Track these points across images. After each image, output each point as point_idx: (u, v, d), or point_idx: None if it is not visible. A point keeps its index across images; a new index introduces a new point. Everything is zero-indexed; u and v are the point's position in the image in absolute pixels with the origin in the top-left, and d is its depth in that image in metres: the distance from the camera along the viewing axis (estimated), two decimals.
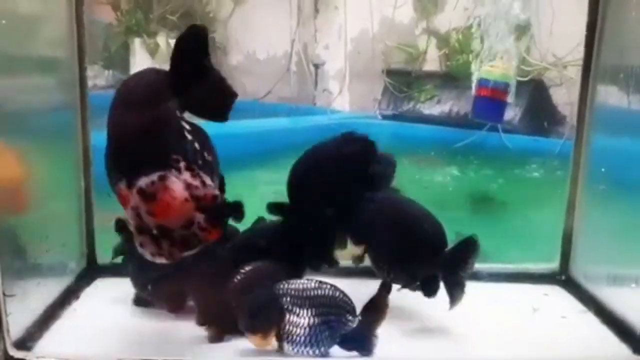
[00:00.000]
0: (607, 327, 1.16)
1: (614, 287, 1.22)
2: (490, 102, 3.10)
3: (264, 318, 0.96)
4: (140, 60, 5.50)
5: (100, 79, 5.66)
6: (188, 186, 0.89)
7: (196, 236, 0.91)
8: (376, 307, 1.03)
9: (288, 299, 0.97)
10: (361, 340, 1.00)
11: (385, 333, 1.03)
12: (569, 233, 1.35)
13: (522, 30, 3.99)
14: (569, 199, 1.35)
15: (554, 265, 1.38)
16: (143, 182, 0.87)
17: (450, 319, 1.14)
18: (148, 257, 0.89)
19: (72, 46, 1.27)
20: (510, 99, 3.17)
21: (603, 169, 1.27)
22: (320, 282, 1.00)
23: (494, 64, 3.20)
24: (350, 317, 1.00)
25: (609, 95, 1.31)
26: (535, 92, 4.05)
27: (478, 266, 1.22)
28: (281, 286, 0.99)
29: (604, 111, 1.32)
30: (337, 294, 1.00)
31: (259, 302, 0.96)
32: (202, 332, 1.05)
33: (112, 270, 1.27)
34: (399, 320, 1.15)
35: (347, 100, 5.45)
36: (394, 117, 4.70)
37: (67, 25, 1.25)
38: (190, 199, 0.89)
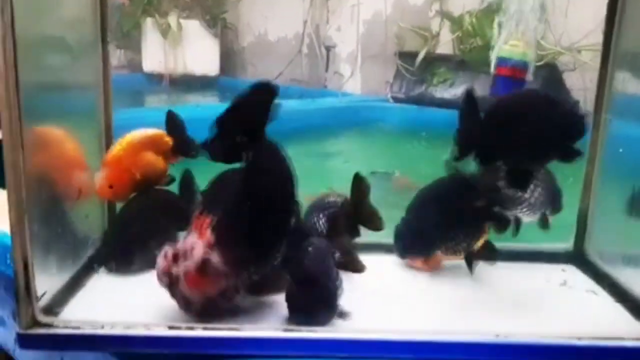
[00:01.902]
0: (622, 305, 1.18)
1: (628, 266, 1.24)
2: (510, 81, 3.10)
3: None
4: (152, 40, 5.52)
5: (113, 59, 5.71)
6: None
7: None
8: None
9: None
10: None
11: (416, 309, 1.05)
12: (585, 213, 1.36)
13: (537, 13, 3.96)
14: (585, 178, 1.35)
15: (568, 244, 1.39)
16: None
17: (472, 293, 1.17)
18: None
19: (96, 26, 1.28)
20: (529, 77, 3.17)
21: (620, 150, 1.28)
22: None
23: (514, 43, 3.20)
24: None
25: (628, 81, 1.32)
26: (549, 76, 4.03)
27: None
28: None
29: (622, 95, 1.33)
30: None
31: None
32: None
33: None
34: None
35: (358, 83, 5.44)
36: (405, 100, 4.69)
37: (91, 4, 1.26)
38: None
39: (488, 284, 1.25)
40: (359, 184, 1.21)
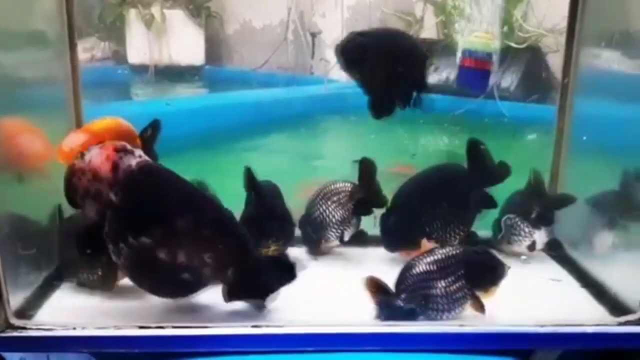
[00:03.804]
0: (587, 290, 1.21)
1: (593, 253, 1.27)
2: (474, 72, 3.13)
3: None
4: (136, 32, 5.48)
5: (97, 51, 5.67)
6: None
7: None
8: None
9: None
10: None
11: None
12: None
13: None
14: (552, 166, 1.38)
15: None
16: None
17: None
18: None
19: (62, 21, 1.28)
20: (494, 68, 3.21)
21: (584, 138, 1.30)
22: None
23: (478, 34, 3.22)
24: None
25: (593, 61, 1.34)
26: (532, 59, 4.04)
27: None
28: None
29: (587, 77, 1.35)
30: None
31: None
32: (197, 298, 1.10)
33: None
34: None
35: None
36: None
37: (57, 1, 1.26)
38: None
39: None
40: (367, 166, 1.30)
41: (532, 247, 1.32)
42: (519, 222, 1.31)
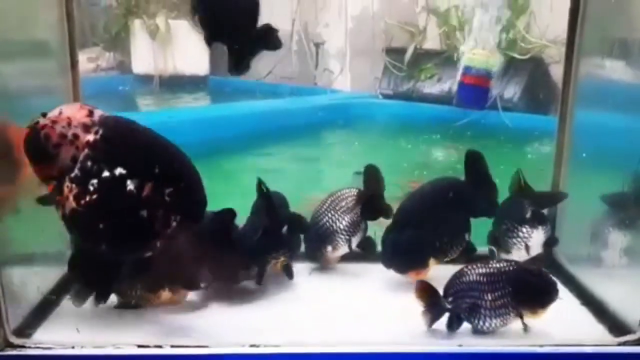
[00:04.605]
0: (587, 308, 1.20)
1: (593, 269, 1.26)
2: (473, 89, 3.15)
3: None
4: (141, 42, 5.52)
5: (102, 61, 5.71)
6: None
7: None
8: None
9: None
10: None
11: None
12: (553, 214, 1.37)
13: (521, 8, 3.98)
14: (552, 181, 1.38)
15: None
16: None
17: None
18: None
19: (63, 33, 1.29)
20: (493, 84, 3.24)
21: (584, 155, 1.30)
22: None
23: (477, 52, 3.24)
24: None
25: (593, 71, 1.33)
26: (535, 69, 4.05)
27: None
28: None
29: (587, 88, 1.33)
30: None
31: None
32: (199, 315, 1.11)
33: None
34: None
35: (348, 79, 5.45)
36: (394, 97, 4.71)
37: (58, 12, 1.27)
38: None
39: None
40: (372, 172, 1.34)
41: (528, 250, 1.29)
42: (514, 227, 1.29)
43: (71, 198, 0.95)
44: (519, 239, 1.28)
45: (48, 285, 1.18)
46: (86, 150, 0.95)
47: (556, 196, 1.34)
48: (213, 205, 1.07)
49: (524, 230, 1.28)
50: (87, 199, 0.95)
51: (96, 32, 5.38)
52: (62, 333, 1.05)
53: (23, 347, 0.99)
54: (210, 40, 1.09)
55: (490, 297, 1.06)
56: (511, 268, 1.07)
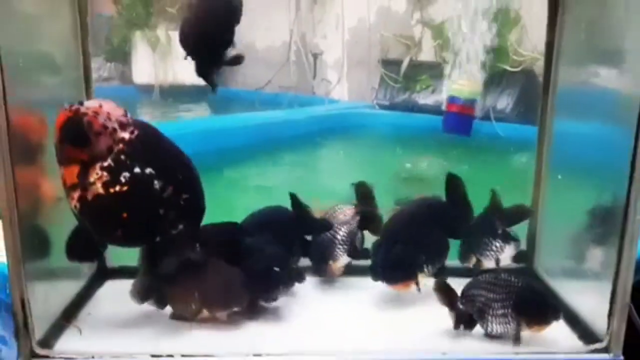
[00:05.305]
0: (563, 319, 1.27)
1: (570, 280, 1.34)
2: (459, 117, 3.33)
3: None
4: (142, 52, 5.62)
5: (103, 71, 5.81)
6: None
7: None
8: None
9: None
10: None
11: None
12: (533, 227, 1.45)
13: (513, 21, 4.09)
14: (533, 193, 1.44)
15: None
16: None
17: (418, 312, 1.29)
18: None
19: (77, 44, 1.34)
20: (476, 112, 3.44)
21: (560, 177, 1.38)
22: None
23: (462, 82, 3.41)
24: None
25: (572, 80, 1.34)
26: (526, 82, 4.16)
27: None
28: None
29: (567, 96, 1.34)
30: None
31: None
32: (215, 326, 1.20)
33: (120, 273, 1.41)
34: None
35: (345, 89, 5.56)
36: (390, 107, 4.81)
37: (71, 23, 1.32)
38: None
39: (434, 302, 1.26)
40: (363, 190, 1.46)
41: (498, 262, 1.38)
42: (487, 242, 1.36)
43: (99, 184, 1.07)
44: (491, 252, 1.38)
45: (68, 298, 1.28)
46: (121, 145, 1.08)
47: (523, 213, 1.41)
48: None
49: (494, 247, 1.37)
50: (117, 188, 1.07)
51: (98, 42, 5.48)
52: (83, 343, 1.15)
53: (47, 357, 1.09)
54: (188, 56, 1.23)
55: (495, 305, 1.15)
56: (518, 283, 1.16)
